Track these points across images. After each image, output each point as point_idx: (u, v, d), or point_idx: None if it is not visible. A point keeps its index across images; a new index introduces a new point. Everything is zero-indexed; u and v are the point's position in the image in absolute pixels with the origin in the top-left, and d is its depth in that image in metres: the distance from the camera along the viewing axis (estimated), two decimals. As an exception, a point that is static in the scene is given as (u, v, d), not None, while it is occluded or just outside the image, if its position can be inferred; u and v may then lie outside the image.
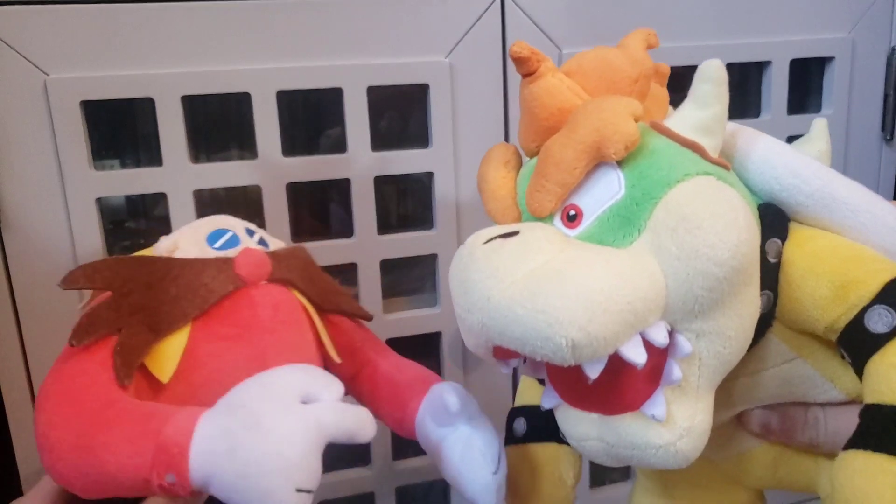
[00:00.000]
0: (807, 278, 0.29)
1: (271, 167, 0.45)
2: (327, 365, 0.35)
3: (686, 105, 0.29)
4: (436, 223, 0.49)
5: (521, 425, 0.38)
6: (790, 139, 0.54)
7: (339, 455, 0.54)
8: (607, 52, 0.31)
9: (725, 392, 0.30)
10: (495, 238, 0.27)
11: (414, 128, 0.51)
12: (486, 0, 0.46)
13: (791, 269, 0.29)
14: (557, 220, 0.29)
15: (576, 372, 0.26)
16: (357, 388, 0.37)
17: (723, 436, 0.35)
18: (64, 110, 0.41)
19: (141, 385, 0.29)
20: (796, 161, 0.30)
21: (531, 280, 0.25)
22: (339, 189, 0.48)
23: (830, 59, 0.54)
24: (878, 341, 0.26)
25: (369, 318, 0.38)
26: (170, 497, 0.27)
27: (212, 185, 0.45)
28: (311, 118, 0.53)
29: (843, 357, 0.30)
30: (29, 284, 0.42)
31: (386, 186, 0.52)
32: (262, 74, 0.43)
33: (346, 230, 0.48)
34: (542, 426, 0.37)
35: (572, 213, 0.28)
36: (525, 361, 0.29)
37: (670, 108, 0.34)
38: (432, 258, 0.49)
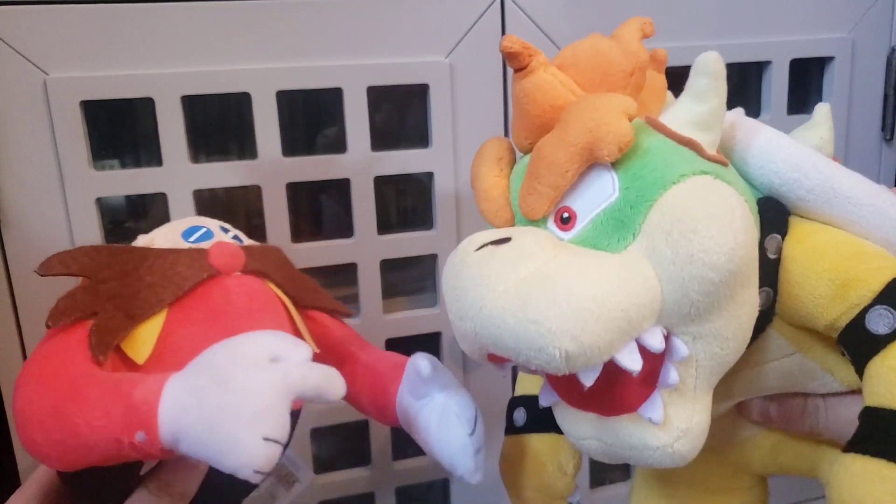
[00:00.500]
0: (807, 276, 0.28)
1: (271, 167, 0.45)
2: None
3: (682, 99, 0.29)
4: (436, 223, 0.49)
5: (521, 415, 0.38)
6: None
7: (339, 455, 0.54)
8: (601, 44, 0.30)
9: (725, 384, 0.29)
10: (487, 244, 0.27)
11: (413, 127, 0.51)
12: (486, 0, 0.46)
13: (791, 266, 0.29)
14: (551, 223, 0.28)
15: (573, 374, 0.26)
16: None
17: (724, 425, 0.35)
18: (64, 110, 0.41)
19: (117, 367, 0.30)
20: (797, 154, 0.30)
21: (523, 288, 0.25)
22: (339, 189, 0.48)
23: (830, 59, 0.54)
24: (879, 342, 0.26)
25: (349, 314, 0.39)
26: (142, 457, 0.27)
27: (212, 185, 0.45)
28: (311, 118, 0.53)
29: (843, 354, 0.29)
30: (29, 284, 0.42)
31: (386, 186, 0.52)
32: (261, 74, 0.43)
33: (346, 230, 0.48)
34: (542, 416, 0.37)
35: (566, 215, 0.28)
36: None
37: (669, 94, 0.33)
38: (432, 258, 0.49)
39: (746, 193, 0.29)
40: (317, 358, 0.35)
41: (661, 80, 0.32)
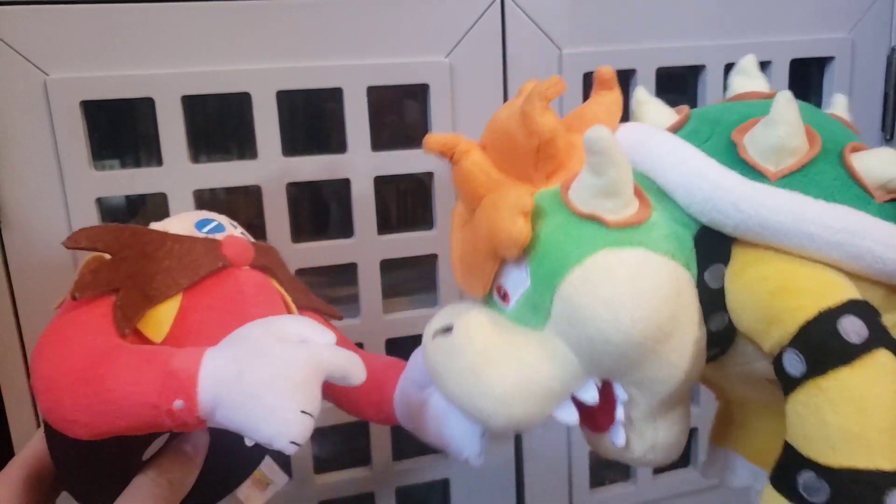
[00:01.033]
0: (743, 311, 0.28)
1: (271, 167, 0.45)
2: None
3: (584, 172, 0.29)
4: (436, 223, 0.49)
5: None
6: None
7: (339, 455, 0.54)
8: (508, 124, 0.31)
9: (727, 377, 0.32)
10: (437, 333, 0.31)
11: (413, 127, 0.51)
12: (486, 0, 0.46)
13: (731, 298, 0.29)
14: (495, 295, 0.32)
15: None
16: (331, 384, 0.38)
17: (775, 392, 0.35)
18: (64, 110, 0.41)
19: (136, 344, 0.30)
20: (714, 194, 0.28)
21: (460, 381, 0.30)
22: (339, 189, 0.48)
23: (830, 59, 0.54)
24: (791, 384, 0.26)
25: (339, 317, 0.40)
26: (176, 426, 0.27)
27: (212, 185, 0.45)
28: (312, 118, 0.54)
29: None
30: (29, 284, 0.43)
31: (386, 186, 0.52)
32: (262, 74, 0.44)
33: (346, 230, 0.48)
34: None
35: (502, 292, 0.31)
36: None
37: (656, 103, 0.35)
38: (432, 258, 0.49)
39: (671, 240, 0.29)
40: None
41: (612, 97, 0.33)
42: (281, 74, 0.44)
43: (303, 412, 0.27)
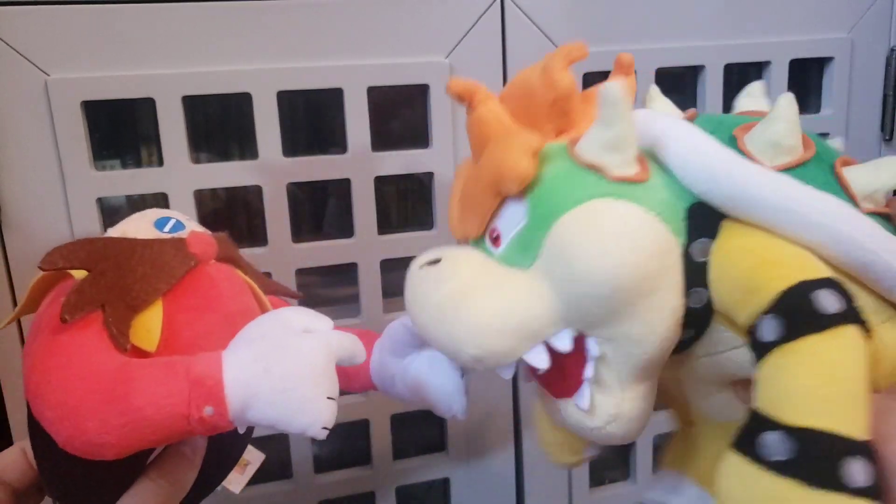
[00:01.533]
0: (723, 281, 0.29)
1: (272, 167, 0.45)
2: None
3: (594, 125, 0.30)
4: (436, 223, 0.49)
5: None
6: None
7: (339, 455, 0.54)
8: (530, 75, 0.32)
9: (694, 372, 0.32)
10: (424, 264, 0.32)
11: (414, 127, 0.51)
12: (486, 0, 0.46)
13: (713, 269, 0.30)
14: (487, 239, 0.32)
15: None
16: None
17: (729, 403, 0.36)
18: (65, 110, 0.41)
19: (132, 357, 0.30)
20: (710, 163, 0.30)
21: (440, 307, 0.30)
22: (340, 189, 0.48)
23: (830, 59, 0.55)
24: (764, 349, 0.27)
25: (300, 297, 0.41)
26: (209, 431, 0.28)
27: (212, 186, 0.45)
28: (312, 118, 0.54)
29: None
30: (30, 284, 0.42)
31: (386, 186, 0.52)
32: (262, 75, 0.44)
33: (346, 230, 0.48)
34: None
35: (495, 235, 0.32)
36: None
37: (664, 101, 0.35)
38: (432, 258, 0.49)
39: (664, 205, 0.30)
40: None
41: (627, 82, 0.34)
42: (281, 75, 0.44)
43: (329, 398, 0.28)
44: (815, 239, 0.29)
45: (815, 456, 0.24)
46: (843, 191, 0.31)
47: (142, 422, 0.27)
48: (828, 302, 0.26)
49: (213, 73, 0.43)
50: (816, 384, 0.25)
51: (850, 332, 0.26)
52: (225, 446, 0.34)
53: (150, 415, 0.27)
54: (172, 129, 0.43)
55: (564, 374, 0.31)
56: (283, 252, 0.46)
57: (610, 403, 0.30)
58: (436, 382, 0.37)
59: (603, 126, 0.29)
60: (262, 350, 0.28)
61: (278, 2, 0.43)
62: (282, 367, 0.28)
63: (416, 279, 0.32)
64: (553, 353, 0.30)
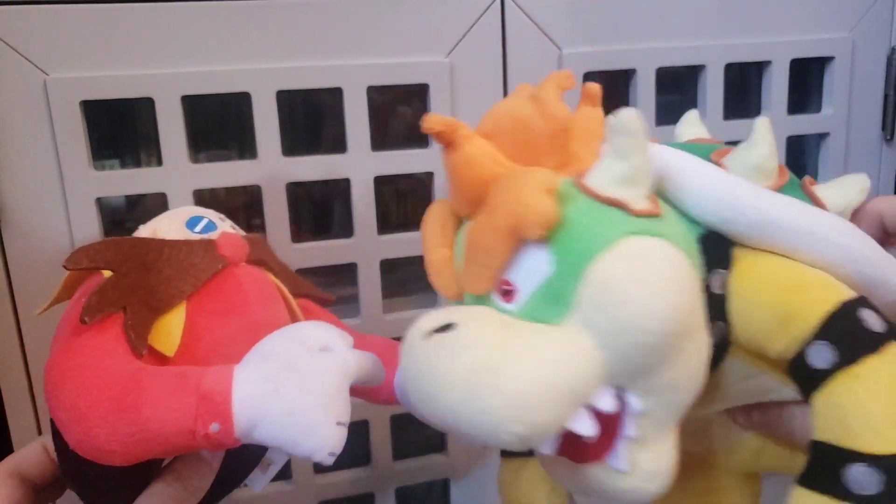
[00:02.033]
0: (751, 310, 0.28)
1: (271, 167, 0.45)
2: None
3: (606, 158, 0.28)
4: (436, 223, 0.49)
5: None
6: (790, 139, 0.54)
7: (340, 455, 0.54)
8: (521, 109, 0.30)
9: (701, 398, 0.30)
10: (433, 332, 0.27)
11: (413, 127, 0.51)
12: (486, 0, 0.46)
13: (736, 301, 0.28)
14: (495, 295, 0.29)
15: None
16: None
17: (710, 432, 0.35)
18: (64, 110, 0.41)
19: (149, 361, 0.30)
20: (731, 192, 0.29)
21: (470, 380, 0.25)
22: (340, 189, 0.48)
23: (830, 58, 0.54)
24: (819, 377, 0.26)
25: (332, 301, 0.40)
26: (214, 447, 0.27)
27: (211, 185, 0.45)
28: (312, 118, 0.54)
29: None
30: (29, 284, 0.42)
31: (386, 186, 0.52)
32: (261, 74, 0.44)
33: (346, 230, 0.48)
34: None
35: (507, 288, 0.28)
36: None
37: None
38: (432, 258, 0.49)
39: (684, 238, 0.29)
40: None
41: (597, 115, 0.32)
42: (281, 74, 0.44)
43: (338, 423, 0.27)
44: (835, 260, 0.28)
45: None
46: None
47: (148, 433, 0.27)
48: (873, 320, 0.26)
49: (212, 73, 0.43)
50: (890, 410, 0.24)
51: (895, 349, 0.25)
52: (245, 449, 0.33)
53: (156, 428, 0.27)
54: (172, 128, 0.43)
55: (584, 439, 0.27)
56: (283, 252, 0.46)
57: (648, 460, 0.28)
58: None
59: (617, 158, 0.27)
60: (274, 369, 0.28)
61: (278, 1, 0.43)
62: (291, 390, 0.27)
63: (424, 351, 0.27)
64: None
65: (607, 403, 0.26)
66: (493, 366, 0.25)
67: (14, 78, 0.41)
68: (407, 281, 0.52)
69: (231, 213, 0.38)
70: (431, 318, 0.28)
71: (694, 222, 0.30)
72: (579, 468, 0.29)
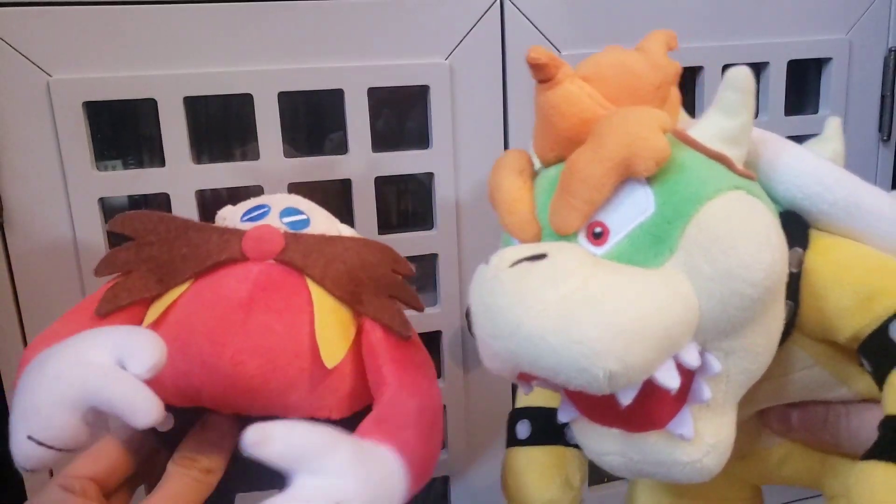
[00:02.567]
0: (831, 288, 0.28)
1: (273, 168, 0.45)
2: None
3: (711, 113, 0.28)
4: (436, 223, 0.49)
5: (524, 428, 0.37)
6: (790, 139, 0.54)
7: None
8: (627, 57, 0.29)
9: (745, 395, 0.29)
10: (522, 261, 0.26)
11: (414, 128, 0.51)
12: (486, 2, 0.47)
13: (814, 279, 0.29)
14: (582, 237, 0.27)
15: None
16: None
17: (735, 437, 0.35)
18: (66, 111, 0.41)
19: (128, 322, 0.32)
20: (820, 169, 0.30)
21: (564, 308, 0.24)
22: (340, 189, 0.48)
23: (828, 60, 0.55)
24: None
25: (406, 336, 0.34)
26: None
27: (214, 186, 0.45)
28: (313, 119, 0.54)
29: (861, 365, 0.29)
30: (32, 285, 0.43)
31: (386, 186, 0.53)
32: (263, 76, 0.44)
33: (347, 230, 0.48)
34: (546, 428, 0.36)
35: (598, 230, 0.27)
36: None
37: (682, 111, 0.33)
38: (432, 258, 0.50)
39: (771, 208, 0.29)
40: (356, 371, 0.33)
41: (677, 93, 0.32)
42: (282, 76, 0.44)
43: (29, 437, 0.25)
44: None
45: None
46: None
47: None
48: None
49: (214, 74, 0.43)
50: None
51: None
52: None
53: None
54: (174, 129, 0.43)
55: (654, 401, 0.26)
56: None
57: (711, 430, 0.27)
58: None
59: (725, 114, 0.27)
60: (46, 354, 0.27)
61: (279, 3, 0.44)
62: (23, 385, 0.27)
63: (511, 278, 0.25)
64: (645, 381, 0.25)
65: (693, 358, 0.25)
66: (594, 296, 0.24)
67: (17, 79, 0.41)
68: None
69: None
70: (516, 249, 0.27)
71: (773, 201, 0.30)
72: (633, 439, 0.27)
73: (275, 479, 0.32)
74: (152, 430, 0.30)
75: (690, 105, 0.52)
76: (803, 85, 0.56)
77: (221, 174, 0.45)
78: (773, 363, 0.29)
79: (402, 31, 0.46)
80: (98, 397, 0.25)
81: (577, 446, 0.33)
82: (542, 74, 0.28)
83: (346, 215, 0.48)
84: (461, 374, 0.51)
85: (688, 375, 0.26)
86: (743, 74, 0.27)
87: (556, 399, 0.31)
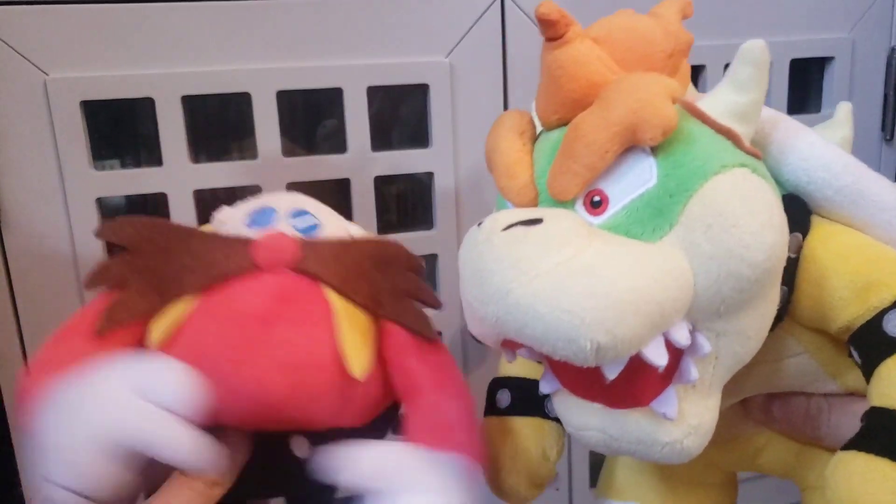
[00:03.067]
0: (828, 276, 0.28)
1: (271, 167, 0.45)
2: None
3: (723, 87, 0.27)
4: (436, 223, 0.49)
5: (505, 397, 0.36)
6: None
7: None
8: (640, 22, 0.28)
9: (730, 381, 0.29)
10: (516, 224, 0.25)
11: (414, 127, 0.51)
12: (486, 0, 0.46)
13: (811, 266, 0.28)
14: (579, 205, 0.27)
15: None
16: (404, 420, 0.33)
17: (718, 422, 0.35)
18: (64, 110, 0.41)
19: (128, 343, 0.30)
20: (829, 155, 0.29)
21: (557, 276, 0.23)
22: (340, 189, 0.48)
23: (830, 59, 0.54)
24: (894, 345, 0.26)
25: (433, 339, 0.33)
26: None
27: (212, 185, 0.45)
28: (312, 118, 0.54)
29: (850, 356, 0.29)
30: (29, 284, 0.42)
31: (386, 186, 0.52)
32: (261, 74, 0.44)
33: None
34: (526, 399, 0.35)
35: (597, 198, 0.26)
36: None
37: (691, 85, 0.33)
38: (432, 258, 0.49)
39: (776, 189, 0.28)
40: (377, 376, 0.31)
41: (687, 66, 0.31)
42: (281, 74, 0.44)
43: (64, 487, 0.25)
44: None
45: None
46: None
47: None
48: None
49: (212, 73, 0.43)
50: None
51: None
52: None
53: None
54: (172, 128, 0.43)
55: (640, 378, 0.26)
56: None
57: (695, 412, 0.26)
58: None
59: (736, 89, 0.27)
60: (75, 393, 0.26)
61: (278, 2, 0.43)
62: (60, 424, 0.26)
63: (503, 242, 0.25)
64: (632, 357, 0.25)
65: (683, 336, 0.25)
66: (587, 266, 0.23)
67: (14, 78, 0.41)
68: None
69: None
70: (511, 213, 0.26)
71: (778, 184, 0.29)
72: (614, 415, 0.27)
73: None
74: None
75: (692, 104, 0.52)
76: (806, 84, 0.56)
77: (219, 173, 0.44)
78: (763, 349, 0.28)
79: (401, 29, 0.46)
80: (138, 440, 0.25)
81: (556, 419, 0.33)
82: (552, 31, 0.27)
83: (345, 215, 0.48)
84: (461, 374, 0.51)
85: (676, 354, 0.25)
86: (758, 47, 0.26)
87: (539, 371, 0.30)
